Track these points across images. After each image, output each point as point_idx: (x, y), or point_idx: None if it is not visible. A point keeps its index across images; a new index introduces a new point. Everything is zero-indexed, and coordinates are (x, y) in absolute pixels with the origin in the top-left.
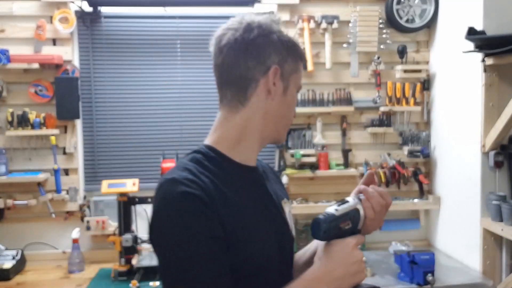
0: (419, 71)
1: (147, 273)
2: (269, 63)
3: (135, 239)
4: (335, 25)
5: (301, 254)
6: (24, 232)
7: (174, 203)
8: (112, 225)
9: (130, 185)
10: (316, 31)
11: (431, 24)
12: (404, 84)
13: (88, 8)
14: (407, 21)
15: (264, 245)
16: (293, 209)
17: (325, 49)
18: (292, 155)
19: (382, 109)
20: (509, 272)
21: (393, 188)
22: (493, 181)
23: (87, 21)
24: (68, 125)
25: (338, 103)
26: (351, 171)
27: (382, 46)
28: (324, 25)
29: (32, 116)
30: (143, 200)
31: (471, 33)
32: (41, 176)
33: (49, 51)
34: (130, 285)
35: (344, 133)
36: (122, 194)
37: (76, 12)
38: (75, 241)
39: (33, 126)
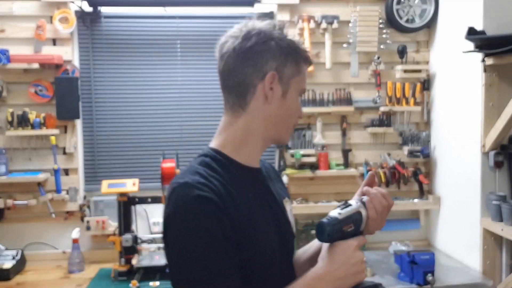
0: (419, 71)
1: (147, 273)
2: (266, 69)
3: (135, 239)
4: (335, 25)
5: (302, 252)
6: (24, 232)
7: (188, 207)
8: (112, 225)
9: (130, 185)
10: (316, 31)
11: (431, 24)
12: (404, 84)
13: (88, 8)
14: (407, 21)
15: (269, 242)
16: (293, 209)
17: (325, 49)
18: (292, 155)
19: (382, 109)
20: (509, 272)
21: (393, 188)
22: (493, 181)
23: (87, 21)
24: (68, 125)
25: (338, 103)
26: (351, 171)
27: (382, 46)
28: (324, 25)
29: (32, 116)
30: (143, 200)
31: (471, 33)
32: (41, 176)
33: (49, 51)
34: (130, 285)
35: (344, 133)
36: (122, 194)
37: (76, 12)
38: (75, 241)
39: (33, 126)
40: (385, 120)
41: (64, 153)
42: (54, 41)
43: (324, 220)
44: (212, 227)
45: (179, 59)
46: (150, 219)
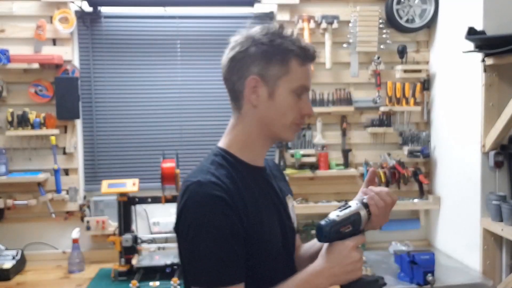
0: (419, 71)
1: (147, 273)
2: (247, 74)
3: (135, 239)
4: (335, 25)
5: (308, 247)
6: (24, 232)
7: (200, 204)
8: (112, 225)
9: (130, 185)
10: (316, 31)
11: (431, 24)
12: (404, 84)
13: (88, 8)
14: (407, 21)
15: (273, 236)
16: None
17: (325, 49)
18: (292, 155)
19: (382, 109)
20: (509, 272)
21: (393, 188)
22: (493, 181)
23: (87, 21)
24: (68, 125)
25: (338, 103)
26: (351, 171)
27: (382, 46)
28: (324, 25)
29: (32, 116)
30: (143, 200)
31: (471, 33)
32: (41, 176)
33: (49, 51)
34: (130, 285)
35: (344, 133)
36: (122, 194)
37: (76, 12)
38: (75, 241)
39: (33, 126)
40: (385, 120)
41: (64, 153)
42: (54, 41)
43: (322, 222)
44: (221, 223)
45: (179, 59)
46: (150, 219)
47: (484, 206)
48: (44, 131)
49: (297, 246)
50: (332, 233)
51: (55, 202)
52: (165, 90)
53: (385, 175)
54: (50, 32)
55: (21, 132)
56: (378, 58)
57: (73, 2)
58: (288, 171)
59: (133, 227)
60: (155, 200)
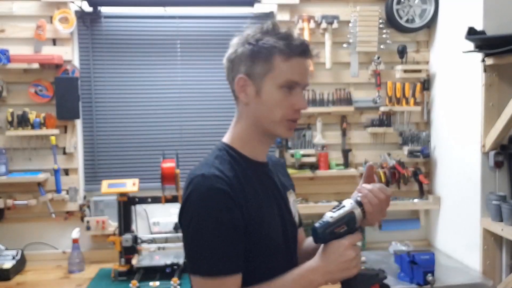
0: (419, 71)
1: (147, 273)
2: (236, 74)
3: (135, 239)
4: (335, 25)
5: (310, 240)
6: (24, 232)
7: (203, 196)
8: (112, 225)
9: (130, 185)
10: (316, 31)
11: (431, 24)
12: (404, 84)
13: (88, 8)
14: (407, 21)
15: (273, 229)
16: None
17: (325, 49)
18: (292, 155)
19: (382, 109)
20: (509, 272)
21: (393, 188)
22: (493, 181)
23: (87, 21)
24: (68, 125)
25: (338, 103)
26: (351, 171)
27: (382, 46)
28: (324, 25)
29: (32, 116)
30: (143, 200)
31: (471, 33)
32: (41, 176)
33: (49, 51)
34: (130, 285)
35: (344, 133)
36: (122, 194)
37: (76, 12)
38: (75, 241)
39: (33, 126)
40: (385, 120)
41: (64, 153)
42: (54, 41)
43: (317, 224)
44: (222, 216)
45: (179, 59)
46: (150, 219)
47: (484, 206)
48: (44, 131)
49: (300, 239)
50: (327, 234)
51: (55, 202)
52: (165, 90)
53: (385, 175)
54: (50, 32)
55: (21, 132)
56: (378, 58)
57: (73, 2)
58: (288, 171)
59: (133, 227)
60: (155, 200)
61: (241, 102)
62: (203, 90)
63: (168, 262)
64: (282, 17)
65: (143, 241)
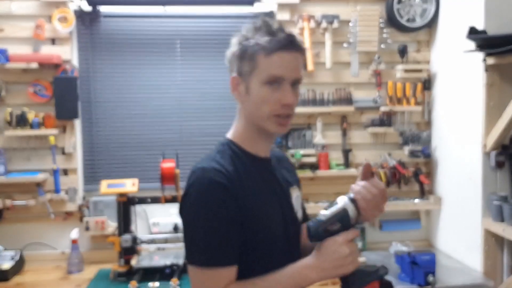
0: (419, 70)
1: (147, 274)
2: (231, 74)
3: (135, 239)
4: (335, 24)
5: None
6: (23, 232)
7: (201, 188)
8: (112, 225)
9: (130, 185)
10: (317, 31)
11: (432, 24)
12: (404, 84)
13: (87, 8)
14: (407, 20)
15: (272, 223)
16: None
17: (325, 49)
18: (292, 155)
19: (382, 109)
20: (510, 272)
21: (393, 188)
22: (494, 181)
23: (86, 20)
24: (67, 125)
25: (338, 103)
26: (352, 171)
27: (382, 46)
28: (324, 24)
29: (31, 116)
30: (142, 200)
31: (472, 32)
32: (40, 176)
33: (48, 51)
34: (130, 285)
35: (344, 133)
36: (121, 194)
37: (75, 12)
38: (74, 241)
39: (32, 126)
40: (386, 120)
41: (63, 153)
42: (53, 41)
43: (310, 223)
44: (218, 208)
45: (178, 59)
46: (150, 220)
47: (485, 206)
48: (43, 131)
49: (304, 235)
50: (320, 232)
51: (54, 203)
52: (165, 90)
53: (385, 175)
54: (49, 32)
55: (20, 132)
56: (379, 57)
57: (72, 2)
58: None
59: (133, 227)
60: (155, 200)
61: (237, 100)
62: (203, 90)
63: (168, 262)
64: (282, 16)
65: (142, 242)
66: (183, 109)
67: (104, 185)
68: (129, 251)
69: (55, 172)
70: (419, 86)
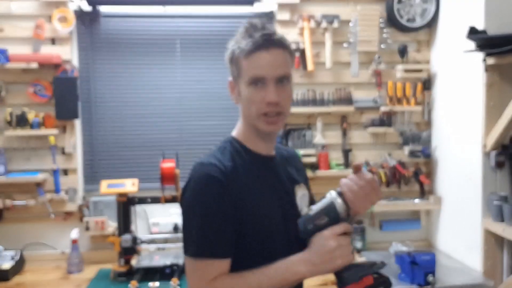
0: (420, 70)
1: (147, 274)
2: (229, 79)
3: (135, 239)
4: (335, 24)
5: None
6: (23, 232)
7: (198, 182)
8: (112, 225)
9: (130, 185)
10: (317, 31)
11: (432, 24)
12: (404, 84)
13: (87, 8)
14: (408, 20)
15: (268, 219)
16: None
17: (326, 49)
18: None
19: (382, 109)
20: (510, 272)
21: (393, 188)
22: (494, 181)
23: (86, 20)
24: (67, 125)
25: (338, 103)
26: (351, 171)
27: (382, 46)
28: (324, 24)
29: (31, 116)
30: (142, 200)
31: (472, 32)
32: (40, 176)
33: (48, 51)
34: (130, 285)
35: (344, 133)
36: (121, 195)
37: (75, 12)
38: (74, 241)
39: (32, 126)
40: (386, 120)
41: (63, 153)
42: (53, 41)
43: (300, 219)
44: (212, 202)
45: (178, 59)
46: (150, 220)
47: (485, 206)
48: (43, 131)
49: None
50: (309, 227)
51: (54, 203)
52: (165, 90)
53: (385, 175)
54: (49, 32)
55: (20, 132)
56: (379, 57)
57: (72, 2)
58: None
59: (133, 227)
60: (155, 200)
61: (235, 102)
62: (203, 90)
63: (168, 262)
64: (282, 16)
65: (142, 242)
66: (183, 109)
67: (104, 185)
68: (129, 251)
69: (55, 172)
70: (419, 86)
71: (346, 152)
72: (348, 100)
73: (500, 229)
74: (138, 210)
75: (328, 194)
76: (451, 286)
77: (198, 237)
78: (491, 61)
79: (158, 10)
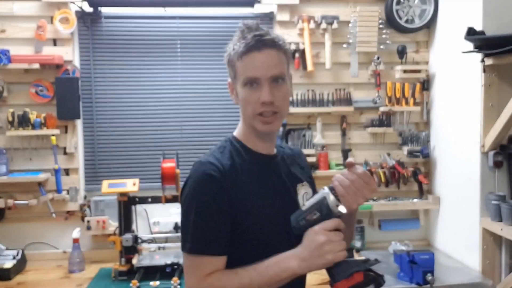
0: (418, 71)
1: (147, 273)
2: (228, 80)
3: (135, 239)
4: (335, 25)
5: None
6: (25, 232)
7: (196, 180)
8: (113, 225)
9: (131, 185)
10: (316, 31)
11: (430, 25)
12: (403, 84)
13: (88, 9)
14: (406, 21)
15: (267, 218)
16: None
17: (325, 49)
18: None
19: (381, 109)
20: (508, 272)
21: (392, 188)
22: (492, 181)
23: (88, 21)
24: (69, 125)
25: (338, 103)
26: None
27: (381, 46)
28: (324, 25)
29: (32, 116)
30: (143, 200)
31: (471, 33)
32: (41, 176)
33: (49, 52)
34: (131, 285)
35: (344, 133)
36: (122, 194)
37: (77, 13)
38: (75, 241)
39: (33, 126)
40: (385, 120)
41: (65, 153)
42: (54, 41)
43: (292, 215)
44: (208, 199)
45: (179, 60)
46: (150, 219)
47: (483, 206)
48: (44, 131)
49: None
50: (300, 223)
51: (56, 202)
52: (165, 90)
53: (384, 175)
54: (51, 33)
55: (21, 132)
56: (378, 58)
57: (73, 3)
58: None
59: (133, 227)
60: (155, 200)
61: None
62: (203, 90)
63: (168, 261)
64: (282, 17)
65: (143, 241)
66: (184, 109)
67: (105, 185)
68: (130, 251)
69: (56, 172)
70: (418, 86)
71: (346, 152)
72: (348, 101)
73: (498, 228)
74: (139, 209)
75: (321, 190)
76: (450, 285)
77: (194, 234)
78: (489, 61)
79: (159, 12)
